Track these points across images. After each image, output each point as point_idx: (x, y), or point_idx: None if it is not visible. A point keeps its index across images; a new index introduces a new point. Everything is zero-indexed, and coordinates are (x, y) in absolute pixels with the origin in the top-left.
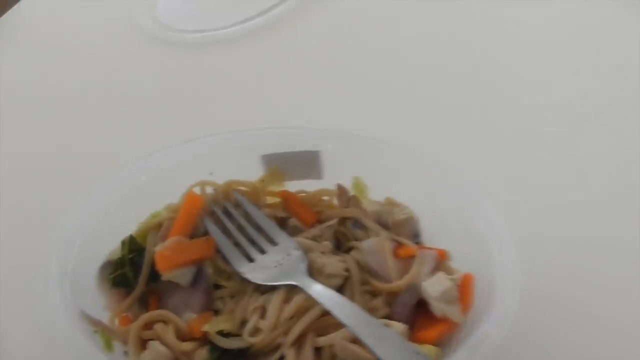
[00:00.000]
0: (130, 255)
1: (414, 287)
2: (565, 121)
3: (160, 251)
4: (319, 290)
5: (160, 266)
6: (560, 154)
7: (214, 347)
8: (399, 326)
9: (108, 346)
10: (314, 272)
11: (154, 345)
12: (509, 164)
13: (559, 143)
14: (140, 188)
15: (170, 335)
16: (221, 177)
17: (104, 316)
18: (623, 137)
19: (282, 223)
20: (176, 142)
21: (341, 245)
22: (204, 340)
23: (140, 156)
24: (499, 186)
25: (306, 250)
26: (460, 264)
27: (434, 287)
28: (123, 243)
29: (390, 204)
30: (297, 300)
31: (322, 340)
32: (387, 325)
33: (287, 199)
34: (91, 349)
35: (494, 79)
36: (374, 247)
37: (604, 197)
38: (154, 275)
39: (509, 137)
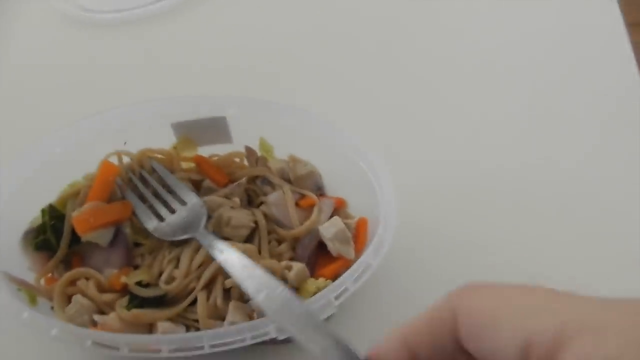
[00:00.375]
0: (52, 222)
1: (313, 232)
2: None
3: (78, 215)
4: (212, 242)
5: (78, 229)
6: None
7: (133, 297)
8: (299, 266)
9: (32, 301)
10: (221, 225)
11: (77, 298)
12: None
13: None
14: (57, 159)
15: (91, 288)
16: (136, 147)
17: (30, 277)
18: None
19: (197, 185)
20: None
21: (252, 201)
22: (124, 291)
23: (57, 129)
24: (384, 141)
25: (216, 207)
26: (357, 211)
27: (329, 229)
28: (43, 211)
29: (294, 160)
30: (204, 250)
31: (229, 282)
32: (289, 267)
33: (200, 163)
34: (16, 303)
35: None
36: (278, 199)
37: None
38: (75, 239)
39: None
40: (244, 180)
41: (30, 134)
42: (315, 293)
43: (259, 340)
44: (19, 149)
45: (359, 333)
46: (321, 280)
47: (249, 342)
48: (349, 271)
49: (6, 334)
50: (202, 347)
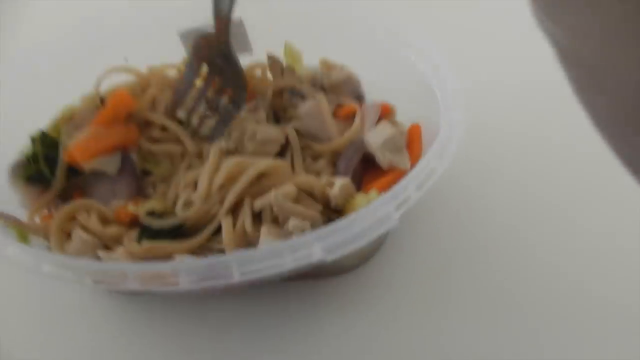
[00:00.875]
0: (44, 151)
1: (357, 143)
2: None
3: (75, 142)
4: None
5: (78, 157)
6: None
7: (144, 229)
8: (343, 180)
9: (23, 238)
10: (244, 140)
11: (78, 233)
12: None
13: None
14: (46, 78)
15: (94, 222)
16: (138, 62)
17: (22, 216)
18: None
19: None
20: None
21: (281, 118)
22: (133, 225)
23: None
24: (441, 36)
25: (238, 122)
26: (407, 120)
27: (377, 137)
28: (34, 139)
29: (327, 65)
30: (227, 166)
31: (259, 203)
32: (330, 184)
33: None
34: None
35: None
36: (311, 110)
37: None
38: (74, 171)
39: None
40: (269, 92)
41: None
42: None
43: (301, 263)
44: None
45: (421, 253)
46: (373, 192)
47: (289, 265)
48: (409, 176)
49: None
50: (230, 276)
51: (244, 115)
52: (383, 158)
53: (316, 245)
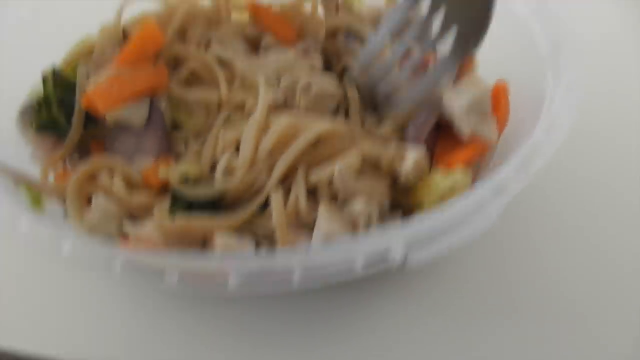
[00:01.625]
0: (58, 94)
1: (431, 102)
2: None
3: (95, 86)
4: None
5: (99, 105)
6: None
7: (177, 197)
8: (417, 154)
9: (36, 203)
10: (295, 93)
11: (99, 201)
12: None
13: None
14: (59, 6)
15: (118, 186)
16: None
17: (32, 170)
18: None
19: (253, 44)
20: None
21: (332, 66)
22: (164, 190)
23: None
24: None
25: (287, 68)
26: (491, 75)
27: (460, 98)
28: (45, 79)
29: (392, 2)
30: (279, 125)
31: (317, 176)
32: (400, 155)
33: (258, 13)
34: (11, 207)
35: None
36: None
37: None
38: (93, 117)
39: None
40: (321, 32)
41: None
42: (448, 193)
43: (377, 268)
44: None
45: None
46: (456, 172)
47: (361, 270)
48: (512, 159)
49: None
50: (289, 283)
51: (293, 59)
52: (467, 125)
53: (396, 246)
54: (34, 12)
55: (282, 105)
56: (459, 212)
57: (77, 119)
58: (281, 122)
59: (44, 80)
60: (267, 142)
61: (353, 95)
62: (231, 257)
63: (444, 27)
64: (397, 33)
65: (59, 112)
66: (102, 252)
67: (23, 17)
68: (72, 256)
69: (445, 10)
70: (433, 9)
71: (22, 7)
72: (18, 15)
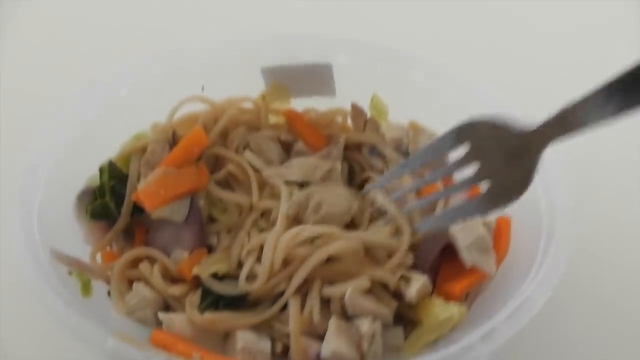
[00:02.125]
0: (111, 183)
1: (440, 233)
2: None
3: (145, 187)
4: None
5: (147, 204)
6: None
7: (207, 292)
8: (422, 279)
9: (85, 289)
10: (305, 210)
11: (139, 288)
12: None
13: None
14: (119, 104)
15: (156, 276)
16: (214, 93)
17: (84, 255)
18: None
19: (286, 147)
20: (161, 50)
21: (355, 175)
22: (196, 282)
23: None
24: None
25: (309, 173)
26: None
27: (466, 234)
28: (102, 169)
29: (414, 129)
30: (294, 236)
31: (330, 292)
32: (406, 278)
33: (293, 119)
34: (65, 294)
35: None
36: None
37: None
38: (139, 207)
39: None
40: (342, 139)
41: (86, 72)
42: (445, 323)
43: None
44: (72, 91)
45: None
46: (454, 306)
47: None
48: (503, 312)
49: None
50: None
51: (313, 165)
52: (469, 257)
53: None
54: (97, 108)
55: (294, 217)
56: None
57: (125, 209)
58: (288, 235)
59: (101, 171)
60: (279, 252)
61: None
62: None
63: (477, 178)
64: (426, 167)
65: (111, 200)
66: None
67: (89, 119)
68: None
69: (481, 164)
70: (467, 159)
71: (89, 106)
72: (86, 117)
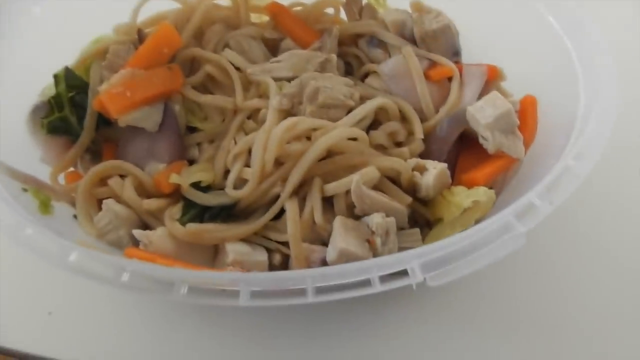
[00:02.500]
0: (70, 94)
1: (455, 115)
2: None
3: (108, 88)
4: None
5: (112, 108)
6: None
7: (189, 204)
8: (439, 167)
9: (44, 207)
10: (304, 97)
11: (110, 205)
12: None
13: None
14: (76, 6)
15: (129, 190)
16: None
17: (42, 173)
18: None
19: (271, 46)
20: None
21: (354, 72)
22: (175, 197)
23: None
24: None
25: (300, 68)
26: (519, 89)
27: (485, 111)
28: (57, 77)
29: (419, 9)
30: (278, 133)
31: (333, 188)
32: (421, 168)
33: (278, 14)
34: (18, 212)
35: None
36: (397, 68)
37: None
38: (105, 118)
39: None
40: (335, 30)
41: None
42: (469, 213)
43: (394, 286)
44: None
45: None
46: (479, 188)
47: (378, 289)
48: (540, 184)
49: (13, 265)
50: (304, 293)
51: (307, 56)
52: (492, 140)
53: (416, 267)
54: (45, 9)
55: (288, 110)
56: (483, 238)
57: (89, 121)
58: (282, 126)
59: (56, 79)
60: (270, 149)
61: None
62: (243, 277)
63: None
64: None
65: (71, 112)
66: (111, 261)
67: (35, 14)
68: (78, 266)
69: None
70: None
71: (34, 4)
72: (29, 13)
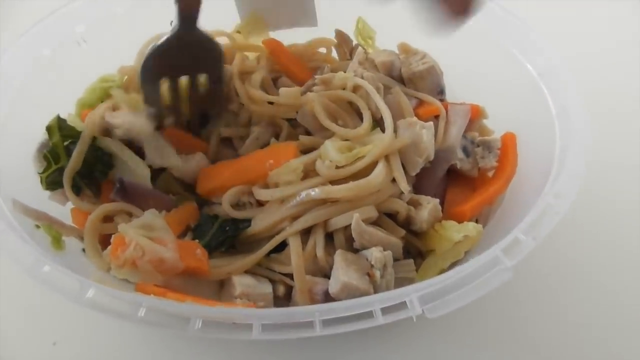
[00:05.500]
0: (65, 142)
1: (443, 153)
2: None
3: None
4: None
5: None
6: None
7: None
8: (432, 202)
9: (57, 243)
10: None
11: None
12: None
13: None
14: (77, 44)
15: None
16: None
17: (51, 208)
18: None
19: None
20: None
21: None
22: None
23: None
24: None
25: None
26: (499, 126)
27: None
28: (50, 128)
29: (406, 51)
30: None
31: (335, 222)
32: (416, 203)
33: (275, 51)
34: (32, 248)
35: None
36: (390, 107)
37: None
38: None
39: None
40: (326, 67)
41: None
42: (460, 245)
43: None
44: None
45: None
46: (468, 224)
47: (380, 321)
48: (522, 222)
49: (19, 296)
50: (311, 326)
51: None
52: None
53: (415, 302)
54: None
55: None
56: (474, 272)
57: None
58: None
59: (49, 130)
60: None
61: None
62: (257, 312)
63: None
64: None
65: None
66: (127, 297)
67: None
68: (96, 303)
69: None
70: None
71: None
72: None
